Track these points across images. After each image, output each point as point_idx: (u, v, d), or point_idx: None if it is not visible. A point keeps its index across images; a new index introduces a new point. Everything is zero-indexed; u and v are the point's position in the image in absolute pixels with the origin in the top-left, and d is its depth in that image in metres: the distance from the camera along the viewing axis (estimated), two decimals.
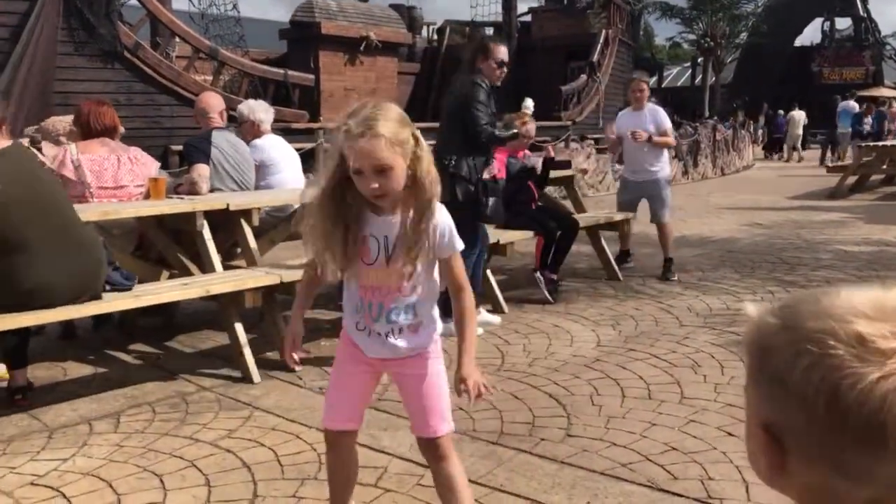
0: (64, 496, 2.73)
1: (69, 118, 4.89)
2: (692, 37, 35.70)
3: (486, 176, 4.67)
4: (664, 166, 6.55)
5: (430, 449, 2.21)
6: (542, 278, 5.47)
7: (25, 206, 3.25)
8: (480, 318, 4.86)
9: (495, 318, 4.99)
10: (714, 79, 33.66)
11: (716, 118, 20.76)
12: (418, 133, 2.04)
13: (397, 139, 1.95)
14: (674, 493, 2.72)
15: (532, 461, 3.00)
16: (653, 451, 3.07)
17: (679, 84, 39.23)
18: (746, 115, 25.74)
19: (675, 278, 6.24)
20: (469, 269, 4.74)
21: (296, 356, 2.22)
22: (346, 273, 2.12)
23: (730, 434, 3.21)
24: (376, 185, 1.96)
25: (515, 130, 4.95)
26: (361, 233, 2.08)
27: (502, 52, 4.73)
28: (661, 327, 4.92)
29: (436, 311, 2.22)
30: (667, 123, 6.50)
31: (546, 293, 5.47)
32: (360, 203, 2.05)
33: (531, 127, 5.73)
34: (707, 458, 3.00)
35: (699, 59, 34.81)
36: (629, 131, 6.34)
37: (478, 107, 4.49)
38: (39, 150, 6.22)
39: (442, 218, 2.10)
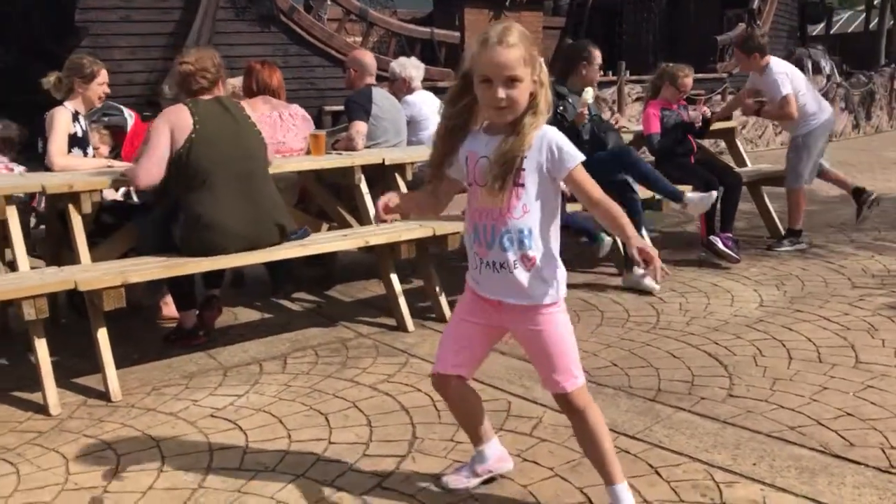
0: (241, 429, 2.94)
1: (235, 80, 5.15)
2: None
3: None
4: (799, 128, 5.57)
5: (563, 403, 2.21)
6: (717, 240, 5.17)
7: (218, 148, 3.55)
8: (634, 276, 4.71)
9: (653, 283, 4.69)
10: (893, 22, 30.59)
11: (893, 66, 18.90)
12: (543, 62, 2.09)
13: (529, 55, 2.03)
14: (850, 460, 2.55)
15: (692, 419, 2.90)
16: (825, 415, 2.89)
17: (850, 30, 36.02)
18: None
19: (788, 250, 5.52)
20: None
21: (384, 213, 2.32)
22: (437, 188, 2.26)
23: None
24: (503, 96, 2.02)
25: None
26: (477, 153, 2.12)
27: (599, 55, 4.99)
28: (831, 288, 4.59)
29: (558, 266, 2.16)
30: (779, 93, 5.43)
31: (730, 253, 5.15)
32: (475, 123, 2.14)
33: (688, 81, 5.43)
34: (888, 425, 2.78)
35: (875, 2, 31.72)
36: (747, 99, 5.82)
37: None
38: None
39: (549, 135, 2.09)
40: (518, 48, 2.00)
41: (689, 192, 4.95)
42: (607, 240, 4.75)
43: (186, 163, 3.51)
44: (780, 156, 6.34)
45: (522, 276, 2.11)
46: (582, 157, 2.10)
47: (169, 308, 4.19)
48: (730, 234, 5.34)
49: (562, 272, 2.18)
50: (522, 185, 2.07)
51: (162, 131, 3.53)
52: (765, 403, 3.02)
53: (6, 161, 4.33)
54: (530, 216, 2.09)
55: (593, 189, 2.11)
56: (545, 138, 2.07)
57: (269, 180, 3.80)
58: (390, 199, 2.31)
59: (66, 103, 4.21)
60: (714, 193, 4.98)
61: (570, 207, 4.34)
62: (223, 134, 3.60)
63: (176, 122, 3.54)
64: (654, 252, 2.01)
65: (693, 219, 5.07)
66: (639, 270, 4.68)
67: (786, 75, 5.51)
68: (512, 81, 2.01)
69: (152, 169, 3.52)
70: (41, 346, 3.16)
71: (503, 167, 2.04)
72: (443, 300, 4.21)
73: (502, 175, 2.04)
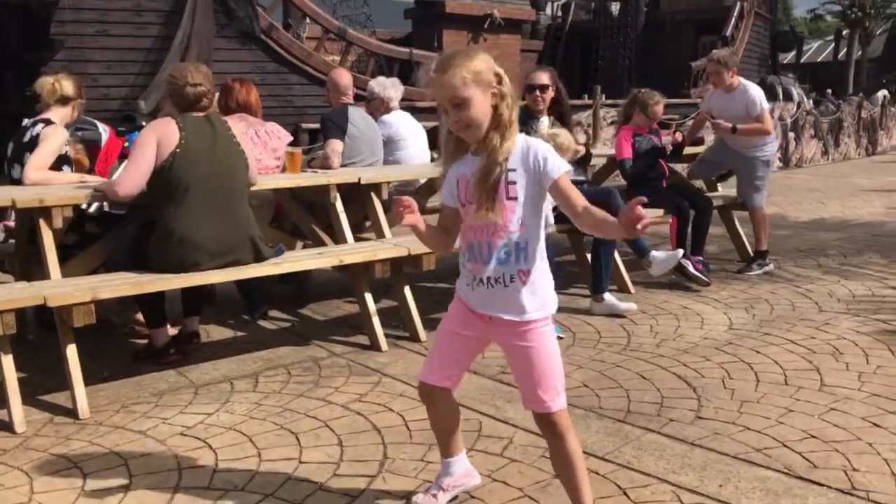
0: (210, 447, 2.92)
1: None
2: (837, 8, 33.39)
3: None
4: (764, 147, 5.71)
5: (545, 424, 2.21)
6: (687, 263, 5.23)
7: (200, 164, 3.57)
8: (607, 302, 4.71)
9: (629, 305, 4.71)
10: (861, 52, 31.38)
11: (861, 94, 19.36)
12: (503, 73, 2.10)
13: (471, 71, 2.04)
14: (813, 482, 2.59)
15: (660, 441, 2.94)
16: (790, 437, 2.94)
17: (820, 59, 36.84)
18: None
19: (758, 273, 5.62)
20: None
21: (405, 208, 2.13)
22: (444, 221, 2.26)
23: (876, 425, 3.03)
24: (456, 119, 2.06)
25: None
26: (467, 175, 2.14)
27: (535, 78, 4.82)
28: (799, 312, 4.68)
29: (549, 280, 2.19)
30: (758, 107, 5.55)
31: (700, 276, 5.22)
32: (464, 145, 2.16)
33: (659, 108, 5.52)
34: (851, 448, 2.83)
35: (844, 32, 32.52)
36: (711, 119, 5.79)
37: None
38: None
39: (534, 147, 2.12)
40: (457, 70, 2.03)
41: (656, 252, 5.08)
42: (654, 254, 4.93)
43: (168, 176, 3.52)
44: None
45: (517, 290, 2.13)
46: (567, 168, 2.13)
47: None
48: (700, 258, 5.43)
49: (551, 286, 2.21)
50: (515, 199, 2.10)
51: (149, 143, 3.54)
52: (732, 425, 3.06)
53: None
54: (526, 229, 2.12)
55: (578, 198, 2.13)
56: (531, 150, 2.11)
57: (245, 200, 3.80)
58: (417, 221, 2.15)
59: (54, 119, 4.08)
60: (680, 252, 5.10)
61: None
62: (207, 150, 3.61)
63: (164, 135, 3.56)
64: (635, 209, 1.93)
65: (652, 271, 5.13)
66: (608, 297, 4.71)
67: (759, 90, 5.66)
68: (460, 104, 2.04)
69: (135, 178, 3.51)
70: (7, 363, 3.11)
71: (481, 184, 2.08)
72: (417, 320, 4.22)
73: (484, 191, 2.08)
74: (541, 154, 2.10)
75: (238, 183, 3.76)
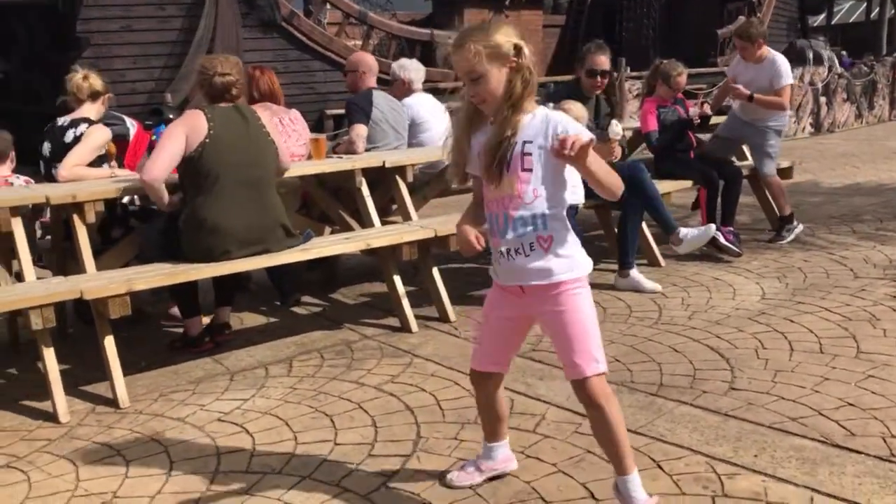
0: (247, 432, 2.98)
1: None
2: None
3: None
4: (779, 117, 5.64)
5: (581, 391, 2.15)
6: (718, 234, 5.14)
7: (229, 153, 3.62)
8: (632, 278, 4.66)
9: (654, 286, 4.60)
10: (893, 11, 30.50)
11: (894, 55, 18.83)
12: (523, 45, 2.09)
13: (487, 46, 2.05)
14: (851, 450, 2.56)
15: (694, 413, 2.93)
16: (826, 406, 2.91)
17: (852, 20, 35.91)
18: None
19: (790, 239, 5.57)
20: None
21: (478, 240, 2.18)
22: (476, 191, 2.26)
23: None
24: (473, 93, 2.09)
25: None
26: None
27: (599, 62, 4.79)
28: (833, 279, 4.60)
29: (576, 243, 2.18)
30: (783, 81, 5.48)
31: (731, 247, 5.15)
32: (482, 116, 2.17)
33: (682, 79, 5.43)
34: (889, 415, 2.80)
35: None
36: (731, 85, 5.66)
37: None
38: None
39: (553, 119, 2.11)
40: (471, 45, 2.04)
41: (685, 228, 4.93)
42: (685, 232, 4.85)
43: (198, 166, 3.58)
44: (784, 148, 6.31)
45: (540, 256, 2.12)
46: (591, 136, 2.09)
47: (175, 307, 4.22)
48: (731, 228, 5.36)
49: (580, 249, 2.19)
50: (530, 170, 2.10)
51: (176, 134, 3.60)
52: (766, 395, 3.04)
53: (5, 173, 4.32)
54: (541, 200, 2.11)
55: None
56: (549, 123, 2.10)
57: (274, 189, 3.84)
58: (476, 234, 2.19)
59: (92, 117, 4.17)
60: (712, 227, 4.97)
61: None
62: (236, 140, 3.66)
63: (192, 127, 3.61)
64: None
65: (680, 249, 4.99)
66: (634, 273, 4.65)
67: (787, 65, 5.55)
68: (477, 79, 2.06)
69: (159, 165, 3.56)
70: (49, 355, 3.20)
71: (487, 156, 2.10)
72: (446, 300, 4.23)
73: (493, 163, 2.09)
74: (560, 127, 2.09)
75: (267, 172, 3.79)
